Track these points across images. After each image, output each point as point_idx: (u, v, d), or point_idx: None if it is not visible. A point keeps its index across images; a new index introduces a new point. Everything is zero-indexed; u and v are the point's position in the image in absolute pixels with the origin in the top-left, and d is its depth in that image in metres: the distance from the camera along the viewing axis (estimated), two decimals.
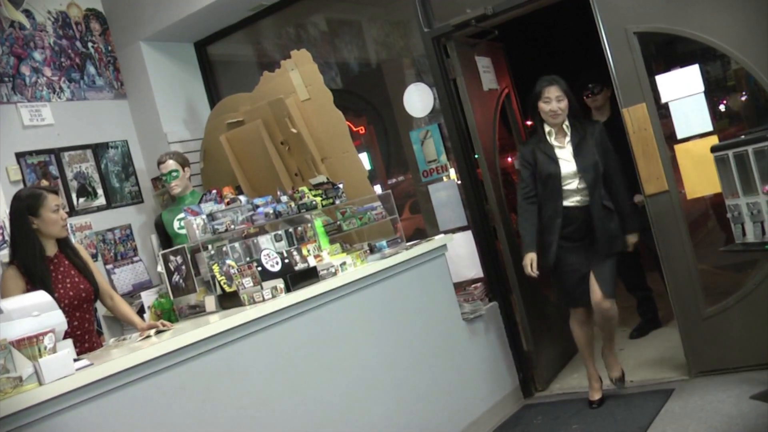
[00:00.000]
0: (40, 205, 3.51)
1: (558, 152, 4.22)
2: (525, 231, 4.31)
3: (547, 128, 4.25)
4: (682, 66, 4.25)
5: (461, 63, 4.91)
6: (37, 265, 3.49)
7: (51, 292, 3.14)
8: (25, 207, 3.52)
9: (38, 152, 5.20)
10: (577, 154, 4.19)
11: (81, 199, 5.40)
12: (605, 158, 4.20)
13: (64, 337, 2.82)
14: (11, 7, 5.19)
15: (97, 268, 3.88)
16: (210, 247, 3.80)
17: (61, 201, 3.64)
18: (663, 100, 4.28)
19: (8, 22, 5.22)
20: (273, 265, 3.67)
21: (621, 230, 4.27)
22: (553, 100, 4.16)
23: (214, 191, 4.26)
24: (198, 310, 3.70)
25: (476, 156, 4.94)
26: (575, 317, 4.43)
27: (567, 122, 4.22)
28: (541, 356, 4.98)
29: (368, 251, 4.27)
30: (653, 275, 5.41)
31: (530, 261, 4.25)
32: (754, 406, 3.74)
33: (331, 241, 4.30)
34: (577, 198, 4.21)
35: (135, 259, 5.59)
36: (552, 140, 4.24)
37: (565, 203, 4.21)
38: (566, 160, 4.20)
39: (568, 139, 4.22)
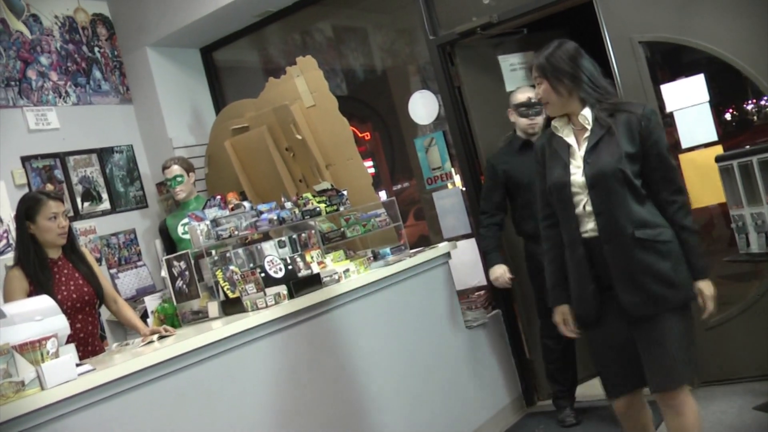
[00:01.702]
0: (37, 211, 3.53)
1: (573, 152, 2.88)
2: (549, 271, 3.02)
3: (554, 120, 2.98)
4: (687, 75, 4.24)
5: (477, 66, 4.87)
6: (30, 267, 3.51)
7: (51, 295, 3.15)
8: (24, 211, 3.56)
9: (43, 156, 5.22)
10: (590, 156, 2.81)
11: (85, 204, 5.41)
12: (651, 161, 2.78)
13: (67, 341, 2.83)
14: (13, 17, 5.21)
15: (102, 272, 3.90)
16: (213, 252, 3.80)
17: (65, 208, 3.64)
18: (668, 110, 4.27)
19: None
20: (276, 271, 3.67)
21: (681, 273, 2.77)
22: (536, 85, 2.93)
23: (219, 197, 4.27)
24: (201, 316, 3.70)
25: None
26: (618, 410, 2.98)
27: (587, 112, 2.83)
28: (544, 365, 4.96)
29: (372, 258, 4.27)
30: None
31: (562, 318, 3.00)
32: (756, 417, 3.73)
33: (335, 248, 4.30)
34: (591, 225, 2.82)
35: (139, 263, 5.60)
36: (564, 135, 2.91)
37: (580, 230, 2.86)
38: (577, 166, 2.86)
39: (587, 134, 2.84)
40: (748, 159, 3.67)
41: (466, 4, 4.73)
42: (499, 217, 4.44)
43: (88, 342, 3.63)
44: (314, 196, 4.29)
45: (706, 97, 4.18)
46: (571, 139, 2.89)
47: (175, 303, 3.81)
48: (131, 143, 5.84)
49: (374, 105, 5.99)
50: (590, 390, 4.66)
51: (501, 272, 4.39)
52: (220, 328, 3.13)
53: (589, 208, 2.80)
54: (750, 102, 4.52)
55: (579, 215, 2.84)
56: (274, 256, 3.77)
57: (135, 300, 5.21)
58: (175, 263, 3.81)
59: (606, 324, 2.86)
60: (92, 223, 5.40)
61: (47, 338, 2.59)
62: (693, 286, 2.78)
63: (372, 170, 5.77)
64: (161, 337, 3.33)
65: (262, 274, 3.60)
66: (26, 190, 4.90)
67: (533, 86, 3.06)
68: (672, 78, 4.31)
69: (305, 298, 3.54)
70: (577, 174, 2.84)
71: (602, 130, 2.80)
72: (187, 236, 4.67)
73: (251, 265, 3.75)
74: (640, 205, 2.77)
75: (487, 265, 4.52)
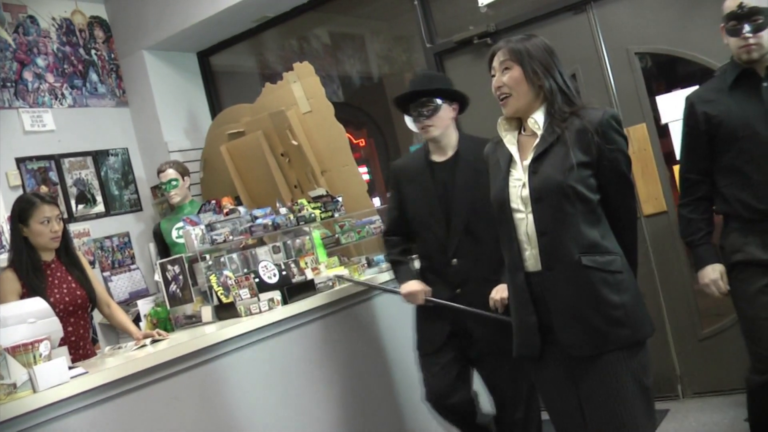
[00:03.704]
0: (30, 214, 3.52)
1: (514, 163, 2.49)
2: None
3: (500, 119, 2.54)
4: (682, 87, 4.26)
5: (475, 68, 4.89)
6: (23, 270, 3.50)
7: (43, 298, 3.14)
8: (17, 213, 3.55)
9: (38, 158, 5.21)
10: (535, 166, 2.40)
11: (80, 206, 5.40)
12: (606, 175, 2.39)
13: (59, 344, 2.82)
14: None
15: (95, 276, 3.88)
16: (208, 257, 3.80)
17: (58, 212, 3.61)
18: (663, 121, 4.29)
19: (12, 27, 5.25)
20: (270, 276, 3.67)
21: (632, 311, 2.33)
22: (498, 73, 2.48)
23: (213, 201, 4.27)
24: (194, 320, 3.69)
25: None
26: None
27: (539, 116, 2.44)
28: None
29: (366, 265, 4.27)
30: None
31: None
32: (748, 429, 3.73)
33: (329, 255, 4.30)
34: (533, 251, 2.41)
35: (132, 267, 5.59)
36: (506, 141, 2.51)
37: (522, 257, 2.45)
38: (517, 178, 2.46)
39: (536, 141, 2.43)
40: None
41: (464, 12, 4.75)
42: (706, 188, 3.10)
43: (79, 345, 3.61)
44: (309, 202, 4.29)
45: None
46: (513, 148, 2.49)
47: (168, 307, 3.80)
48: (126, 146, 5.83)
49: (370, 112, 6.00)
50: None
51: (716, 275, 3.06)
52: (214, 333, 3.13)
53: (531, 229, 2.39)
54: None
55: (520, 240, 2.43)
56: (268, 261, 3.77)
57: (128, 303, 5.20)
58: (169, 267, 3.80)
59: (549, 367, 2.47)
60: (86, 225, 5.39)
61: (40, 341, 2.59)
62: (648, 325, 2.39)
63: (366, 177, 5.78)
64: (154, 341, 3.32)
65: (256, 280, 3.60)
66: (20, 191, 4.89)
67: None
68: (668, 89, 4.33)
69: (299, 303, 3.54)
70: (517, 187, 2.43)
71: (552, 137, 2.39)
72: (181, 240, 4.66)
73: (245, 270, 3.75)
74: (593, 226, 2.36)
75: (695, 265, 3.17)
